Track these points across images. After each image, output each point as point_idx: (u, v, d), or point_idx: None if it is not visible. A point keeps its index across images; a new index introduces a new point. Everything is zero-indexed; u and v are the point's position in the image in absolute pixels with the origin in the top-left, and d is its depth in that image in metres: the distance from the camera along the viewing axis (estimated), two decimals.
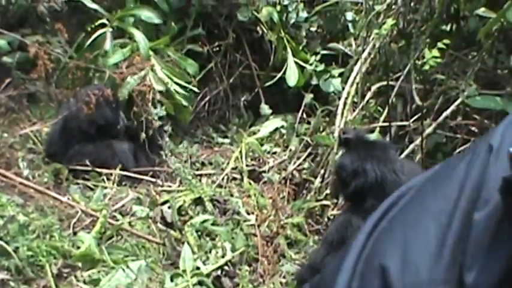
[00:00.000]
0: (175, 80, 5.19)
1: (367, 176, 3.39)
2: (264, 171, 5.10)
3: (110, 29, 5.05)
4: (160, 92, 4.92)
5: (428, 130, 4.61)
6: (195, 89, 5.50)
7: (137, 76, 4.75)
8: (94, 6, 5.29)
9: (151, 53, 5.09)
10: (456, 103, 4.55)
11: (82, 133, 4.62)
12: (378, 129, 4.88)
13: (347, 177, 3.49)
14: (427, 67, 4.17)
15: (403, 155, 4.53)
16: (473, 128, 4.84)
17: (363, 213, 3.20)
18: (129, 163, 4.73)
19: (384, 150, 3.57)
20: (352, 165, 3.48)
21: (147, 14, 5.39)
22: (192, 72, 5.52)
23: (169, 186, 4.66)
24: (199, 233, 3.97)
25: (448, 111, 4.60)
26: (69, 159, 4.57)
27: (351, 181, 3.45)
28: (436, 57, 4.12)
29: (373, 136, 4.58)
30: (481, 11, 4.49)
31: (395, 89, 4.92)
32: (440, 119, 4.61)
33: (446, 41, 4.21)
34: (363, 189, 3.39)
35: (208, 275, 3.53)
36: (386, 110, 4.91)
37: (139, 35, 5.09)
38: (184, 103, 5.26)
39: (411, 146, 4.66)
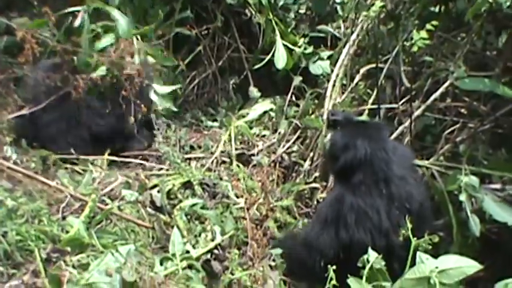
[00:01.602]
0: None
1: (356, 150, 3.53)
2: (253, 155, 5.10)
3: (85, 7, 4.97)
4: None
5: (417, 112, 4.61)
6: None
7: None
8: None
9: (135, 38, 5.03)
10: (445, 85, 4.55)
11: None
12: (366, 111, 4.89)
13: (337, 151, 3.66)
14: (415, 48, 4.18)
15: (392, 137, 4.54)
16: (462, 110, 4.84)
17: (352, 188, 3.44)
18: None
19: (376, 129, 3.74)
20: (343, 140, 3.66)
21: None
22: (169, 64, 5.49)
23: (160, 170, 4.66)
24: (188, 216, 3.97)
25: (437, 94, 4.59)
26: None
27: (341, 155, 3.61)
28: (424, 38, 4.13)
29: (362, 118, 4.62)
30: None
31: (384, 71, 4.92)
32: (429, 101, 4.60)
33: (434, 22, 4.21)
34: (352, 164, 3.53)
35: (197, 259, 3.53)
36: (375, 92, 4.91)
37: (118, 15, 5.03)
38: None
39: (400, 128, 4.66)
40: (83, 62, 4.68)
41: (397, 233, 3.32)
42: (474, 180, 3.89)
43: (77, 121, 4.65)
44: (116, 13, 5.05)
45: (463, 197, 3.83)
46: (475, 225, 3.87)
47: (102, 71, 4.63)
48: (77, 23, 4.82)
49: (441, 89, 4.58)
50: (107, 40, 4.96)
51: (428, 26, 4.17)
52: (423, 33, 4.13)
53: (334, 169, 3.80)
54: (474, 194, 3.87)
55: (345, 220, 3.49)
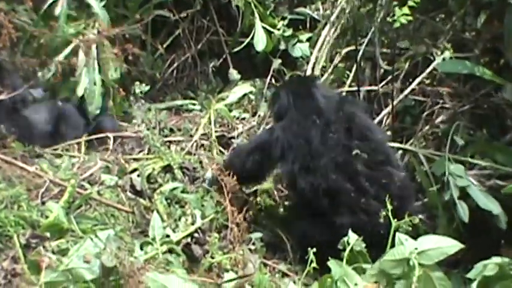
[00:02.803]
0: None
1: (280, 99, 4.13)
2: (233, 137, 5.09)
3: None
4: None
5: (401, 96, 4.63)
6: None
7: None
8: None
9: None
10: (428, 70, 4.57)
11: None
12: (345, 92, 4.90)
13: (271, 100, 4.43)
14: (397, 25, 4.19)
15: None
16: (441, 91, 4.85)
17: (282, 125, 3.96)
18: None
19: (306, 84, 4.24)
20: (274, 92, 4.54)
21: None
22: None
23: (139, 153, 4.65)
24: (168, 200, 3.96)
25: (422, 77, 4.62)
26: None
27: (273, 103, 4.29)
28: (406, 14, 4.14)
29: None
30: None
31: (361, 53, 4.93)
32: (414, 84, 4.64)
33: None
34: (280, 110, 4.12)
35: (178, 243, 3.54)
36: (352, 74, 4.92)
37: (95, 4, 5.00)
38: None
39: (384, 112, 4.69)
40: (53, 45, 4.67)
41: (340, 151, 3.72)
42: (460, 168, 3.95)
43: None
44: (92, 1, 5.02)
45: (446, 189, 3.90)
46: (463, 210, 3.92)
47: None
48: (57, 11, 4.80)
49: (425, 73, 4.60)
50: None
51: (410, 3, 4.18)
52: (405, 9, 4.13)
53: (272, 115, 4.41)
54: (459, 182, 3.93)
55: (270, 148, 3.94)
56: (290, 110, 4.03)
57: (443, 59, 4.48)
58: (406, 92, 4.67)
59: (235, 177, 3.92)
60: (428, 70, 4.62)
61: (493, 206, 4.02)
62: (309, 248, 3.05)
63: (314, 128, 3.80)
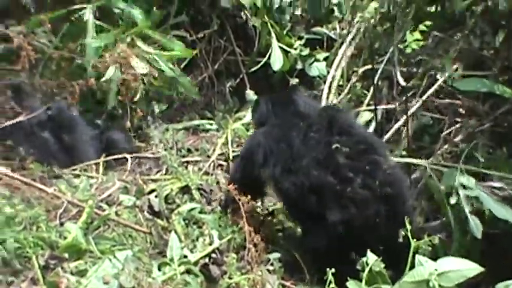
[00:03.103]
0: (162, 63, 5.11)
1: (261, 109, 4.17)
2: None
3: (90, 6, 4.97)
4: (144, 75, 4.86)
5: (413, 109, 4.61)
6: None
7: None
8: None
9: (136, 38, 5.01)
10: (438, 82, 4.56)
11: None
12: (363, 111, 4.90)
13: (253, 108, 4.44)
14: (409, 50, 4.19)
15: (387, 136, 4.59)
16: (460, 110, 4.84)
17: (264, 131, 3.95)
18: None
19: (286, 93, 4.26)
20: (256, 100, 4.52)
21: None
22: (181, 54, 5.43)
23: (157, 173, 4.66)
24: (186, 221, 3.96)
25: (431, 90, 4.61)
26: None
27: (254, 111, 4.34)
28: (418, 40, 4.14)
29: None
30: None
31: (379, 72, 4.92)
32: (424, 97, 4.62)
33: (428, 22, 4.22)
34: (261, 118, 4.15)
35: (195, 263, 3.52)
36: (371, 93, 4.92)
37: (129, 7, 5.03)
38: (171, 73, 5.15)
39: (395, 126, 4.67)
40: (88, 65, 4.68)
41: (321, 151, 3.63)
42: (470, 179, 3.89)
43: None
44: (126, 5, 5.04)
45: (453, 200, 3.84)
46: (475, 225, 3.86)
47: (109, 74, 4.63)
48: (86, 16, 4.82)
49: (435, 86, 4.60)
50: (108, 37, 4.94)
51: (421, 27, 4.18)
52: (416, 35, 4.14)
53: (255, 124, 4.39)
54: (470, 193, 3.87)
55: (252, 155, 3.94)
56: (270, 116, 4.07)
57: (450, 76, 4.48)
58: (418, 104, 4.67)
59: (250, 196, 3.90)
60: (437, 84, 4.61)
61: (509, 215, 3.92)
62: (320, 263, 3.07)
63: (295, 129, 3.77)
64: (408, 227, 3.06)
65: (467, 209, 3.87)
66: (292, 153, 3.69)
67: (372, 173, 3.51)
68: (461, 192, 3.90)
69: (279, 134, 3.83)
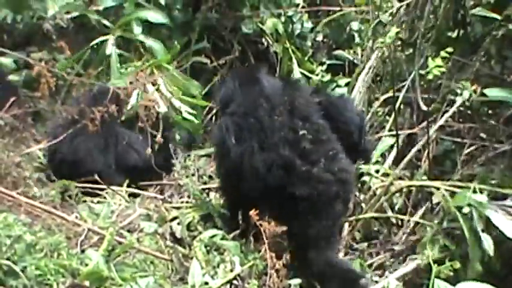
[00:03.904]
0: (181, 96, 5.13)
1: (226, 88, 4.22)
2: None
3: (113, 37, 5.01)
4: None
5: (431, 132, 4.60)
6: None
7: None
8: (97, 17, 5.29)
9: (155, 70, 5.04)
10: (457, 104, 4.55)
11: None
12: (385, 137, 4.89)
13: (215, 91, 4.58)
14: (430, 76, 4.18)
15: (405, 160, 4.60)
16: (481, 134, 4.83)
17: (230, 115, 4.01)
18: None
19: (252, 75, 4.29)
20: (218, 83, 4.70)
21: (153, 16, 5.34)
22: (195, 92, 5.45)
23: (180, 199, 4.67)
24: (207, 247, 3.95)
25: (450, 113, 4.60)
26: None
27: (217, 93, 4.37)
28: (439, 66, 4.13)
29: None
30: (477, 10, 4.51)
31: (401, 98, 4.92)
32: (442, 120, 4.61)
33: (449, 49, 4.21)
34: (225, 98, 4.18)
35: None
36: (392, 119, 4.91)
37: (151, 42, 5.07)
38: (190, 117, 5.16)
39: (413, 150, 4.68)
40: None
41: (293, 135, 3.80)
42: (482, 197, 3.88)
43: (108, 147, 4.70)
44: (147, 40, 5.08)
45: (461, 220, 3.83)
46: (487, 243, 3.84)
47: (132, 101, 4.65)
48: (108, 50, 4.86)
49: (453, 108, 4.58)
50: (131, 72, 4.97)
51: (443, 53, 4.17)
52: (438, 61, 4.13)
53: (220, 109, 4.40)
54: (482, 210, 3.85)
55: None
56: (236, 97, 4.13)
57: (469, 97, 4.47)
58: (436, 126, 4.66)
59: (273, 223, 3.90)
60: (456, 106, 4.59)
61: None
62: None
63: (261, 109, 3.89)
64: None
65: (479, 227, 3.85)
66: (263, 129, 3.82)
67: (334, 158, 3.79)
68: (474, 211, 3.89)
69: (247, 112, 3.94)
